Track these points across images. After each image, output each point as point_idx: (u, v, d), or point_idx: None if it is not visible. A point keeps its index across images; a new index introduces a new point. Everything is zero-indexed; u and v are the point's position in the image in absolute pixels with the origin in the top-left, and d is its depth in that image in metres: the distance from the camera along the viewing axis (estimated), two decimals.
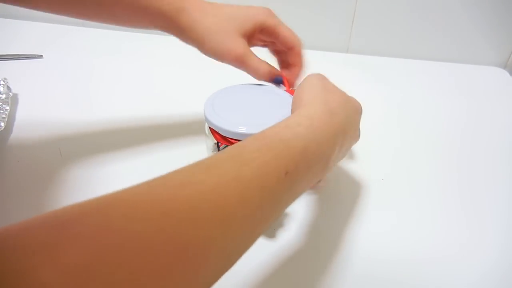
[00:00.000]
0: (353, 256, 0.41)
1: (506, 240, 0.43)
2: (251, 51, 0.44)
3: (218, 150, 0.42)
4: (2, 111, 0.56)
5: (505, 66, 0.75)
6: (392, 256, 0.41)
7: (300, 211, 0.46)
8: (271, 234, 0.43)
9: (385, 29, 0.75)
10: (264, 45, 0.48)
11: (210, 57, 0.44)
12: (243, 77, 0.46)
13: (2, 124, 0.53)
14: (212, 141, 0.43)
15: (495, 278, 0.40)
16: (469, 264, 0.41)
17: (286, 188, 0.28)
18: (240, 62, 0.43)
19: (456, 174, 0.52)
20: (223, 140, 0.41)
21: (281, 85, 0.46)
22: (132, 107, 0.61)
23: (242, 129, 0.38)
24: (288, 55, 0.46)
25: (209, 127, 0.42)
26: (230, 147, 0.28)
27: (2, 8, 0.85)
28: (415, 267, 0.40)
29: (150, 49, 0.78)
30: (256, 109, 0.42)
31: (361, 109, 0.40)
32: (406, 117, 0.62)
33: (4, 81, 0.60)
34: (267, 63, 0.45)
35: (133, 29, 0.85)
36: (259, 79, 0.45)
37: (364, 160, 0.54)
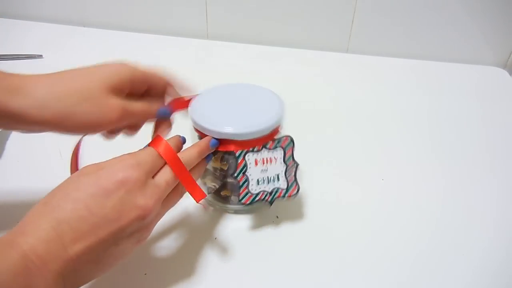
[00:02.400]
0: (353, 255, 0.41)
1: (507, 241, 0.43)
2: (128, 100, 0.37)
3: None
4: None
5: (505, 66, 0.75)
6: (392, 256, 0.41)
7: (304, 211, 0.46)
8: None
9: (385, 29, 0.75)
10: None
11: (77, 133, 0.36)
12: (231, 78, 0.45)
13: None
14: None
15: (492, 277, 0.40)
16: (470, 264, 0.41)
17: None
18: (126, 115, 0.36)
19: (456, 174, 0.52)
20: None
21: (168, 111, 0.40)
22: None
23: (228, 129, 0.38)
24: (164, 88, 0.41)
25: (194, 128, 0.41)
26: None
27: (1, 8, 0.85)
28: (415, 266, 0.40)
29: (149, 49, 0.78)
30: (242, 109, 0.41)
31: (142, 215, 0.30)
32: (406, 117, 0.62)
33: None
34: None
35: (133, 29, 0.85)
36: (155, 116, 0.39)
37: (364, 160, 0.54)
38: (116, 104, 0.35)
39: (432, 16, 0.72)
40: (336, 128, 0.59)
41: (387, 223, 0.45)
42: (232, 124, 0.38)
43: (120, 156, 0.32)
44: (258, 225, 0.44)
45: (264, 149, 0.40)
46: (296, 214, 0.45)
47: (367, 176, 0.51)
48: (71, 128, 0.34)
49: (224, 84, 0.45)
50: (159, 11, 0.81)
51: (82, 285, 0.29)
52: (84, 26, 0.84)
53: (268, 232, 0.43)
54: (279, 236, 0.43)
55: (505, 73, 0.73)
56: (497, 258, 0.41)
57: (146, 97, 0.40)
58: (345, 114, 0.62)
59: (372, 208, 0.46)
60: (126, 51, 0.77)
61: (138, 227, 0.30)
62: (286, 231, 0.43)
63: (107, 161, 0.31)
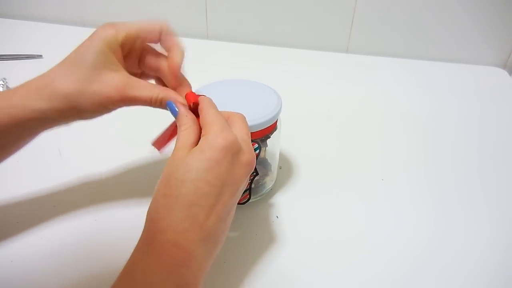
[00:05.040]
0: (354, 254, 0.41)
1: (508, 240, 0.43)
2: (134, 78, 0.37)
3: None
4: None
5: (504, 66, 0.75)
6: (392, 255, 0.41)
7: (304, 211, 0.46)
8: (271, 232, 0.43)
9: (385, 29, 0.75)
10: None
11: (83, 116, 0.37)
12: (228, 75, 0.45)
13: None
14: None
15: (493, 276, 0.40)
16: (469, 263, 0.41)
17: None
18: (123, 93, 0.35)
19: (456, 173, 0.52)
20: None
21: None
22: None
23: None
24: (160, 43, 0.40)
25: None
26: None
27: (1, 8, 0.85)
28: (414, 266, 0.40)
29: None
30: (240, 103, 0.42)
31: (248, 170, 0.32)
32: (406, 117, 0.62)
33: (3, 81, 0.60)
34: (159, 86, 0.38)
35: None
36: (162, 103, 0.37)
37: (364, 160, 0.54)
38: (114, 82, 0.36)
39: (432, 16, 0.72)
40: (336, 128, 0.59)
41: (387, 223, 0.45)
42: None
43: (204, 129, 0.32)
44: (257, 225, 0.44)
45: None
46: (296, 215, 0.45)
47: (367, 176, 0.51)
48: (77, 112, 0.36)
49: (222, 80, 0.45)
50: (159, 11, 0.81)
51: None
52: (84, 26, 0.84)
53: (268, 232, 0.43)
54: (279, 236, 0.43)
55: (505, 73, 0.73)
56: (498, 256, 0.42)
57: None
58: (345, 114, 0.62)
59: (372, 208, 0.46)
60: None
61: (247, 179, 0.33)
62: (286, 231, 0.43)
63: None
